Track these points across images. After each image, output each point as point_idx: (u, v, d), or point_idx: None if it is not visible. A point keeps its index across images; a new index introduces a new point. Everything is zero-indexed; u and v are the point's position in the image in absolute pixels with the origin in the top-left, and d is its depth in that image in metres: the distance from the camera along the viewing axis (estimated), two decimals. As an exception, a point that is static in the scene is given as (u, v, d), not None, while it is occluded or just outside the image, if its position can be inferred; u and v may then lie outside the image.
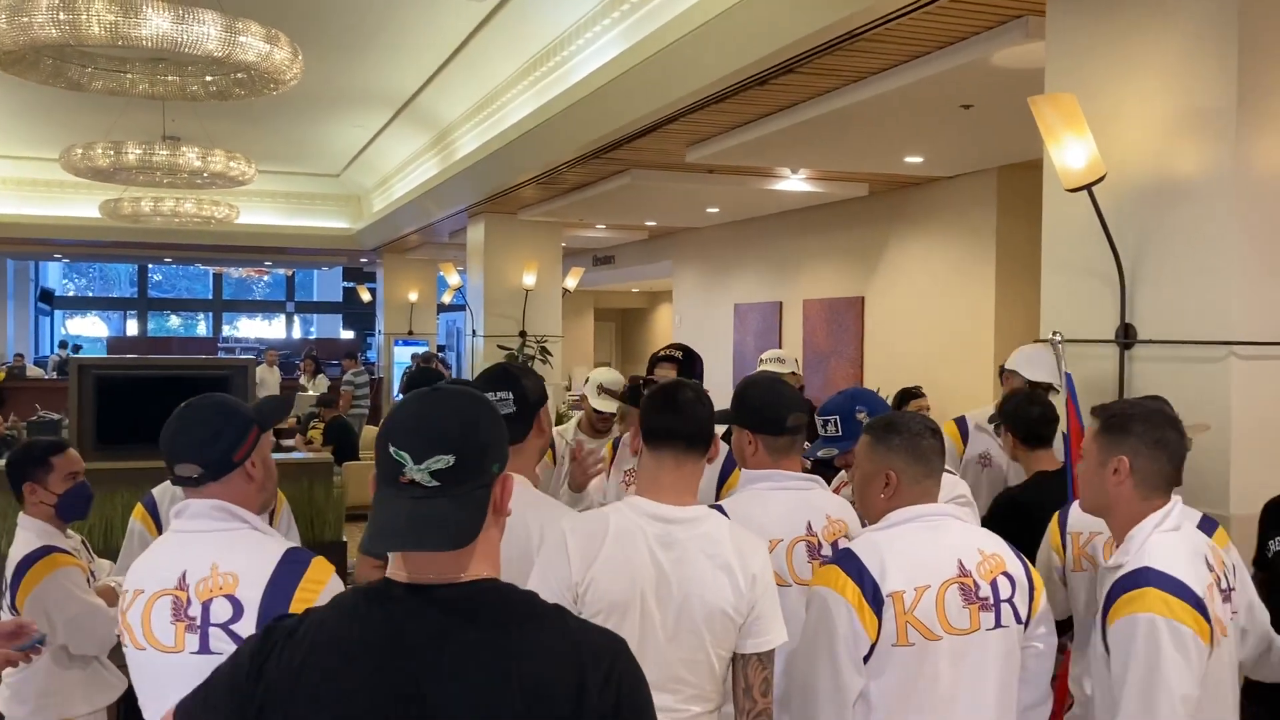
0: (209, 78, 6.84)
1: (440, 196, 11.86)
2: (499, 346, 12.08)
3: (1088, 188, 3.75)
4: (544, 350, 12.14)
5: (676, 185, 9.30)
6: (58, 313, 29.85)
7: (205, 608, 2.02)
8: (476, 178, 10.50)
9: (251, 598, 2.02)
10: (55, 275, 29.92)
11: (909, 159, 7.96)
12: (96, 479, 7.63)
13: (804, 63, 5.42)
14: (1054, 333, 4.37)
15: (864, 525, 2.75)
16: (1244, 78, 3.53)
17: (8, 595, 3.29)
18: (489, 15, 8.01)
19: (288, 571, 2.05)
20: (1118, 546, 2.42)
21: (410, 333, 18.46)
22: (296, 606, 1.99)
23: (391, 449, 1.45)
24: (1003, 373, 5.87)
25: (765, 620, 2.19)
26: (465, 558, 1.46)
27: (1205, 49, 3.62)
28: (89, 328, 31.14)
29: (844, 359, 10.44)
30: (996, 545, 2.35)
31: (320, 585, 2.04)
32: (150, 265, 29.28)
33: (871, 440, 2.42)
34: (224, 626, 2.01)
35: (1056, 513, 3.26)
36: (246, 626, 1.99)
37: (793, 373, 6.07)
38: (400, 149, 13.06)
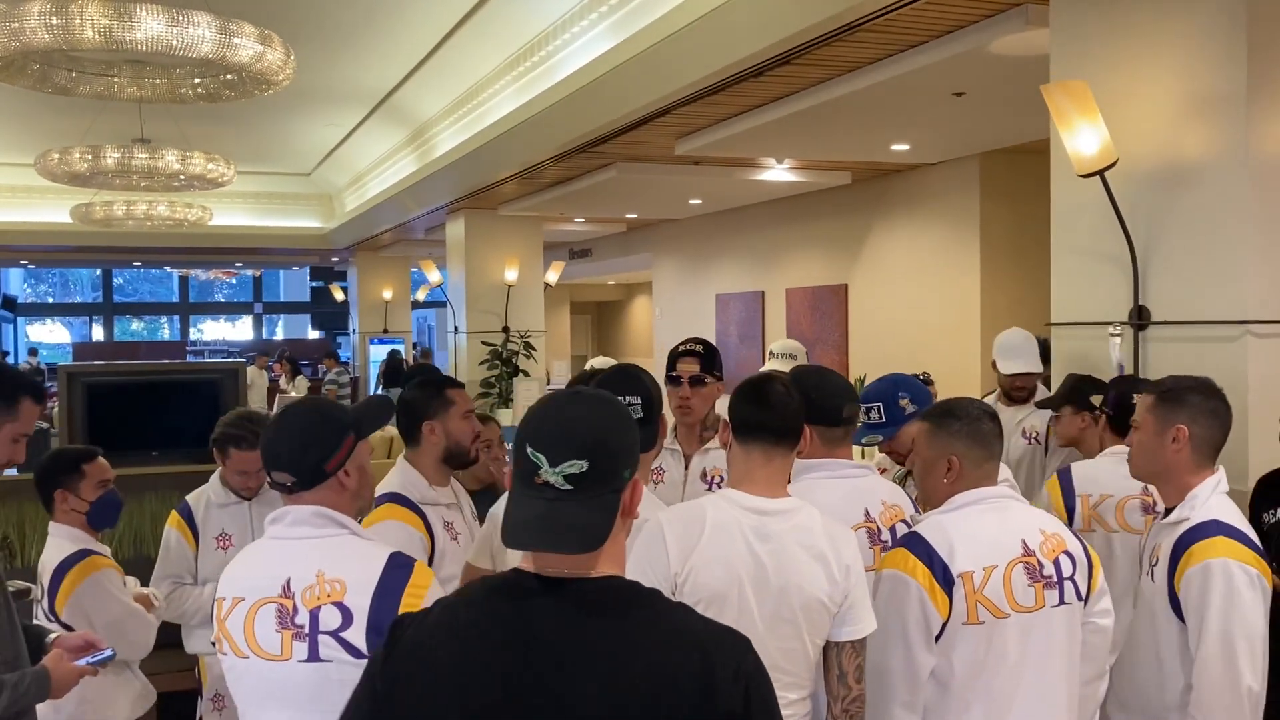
0: (198, 80, 6.77)
1: (418, 193, 11.81)
2: (483, 343, 12.07)
3: (1100, 173, 3.82)
4: (528, 345, 12.14)
5: (662, 178, 9.32)
6: (20, 319, 29.41)
7: (313, 615, 2.02)
8: (457, 174, 10.46)
9: (360, 604, 2.02)
10: (16, 281, 29.47)
11: (895, 147, 8.03)
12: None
13: (802, 54, 5.46)
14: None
15: (918, 510, 2.81)
16: (1254, 60, 3.60)
17: (45, 600, 3.27)
18: (472, 10, 7.98)
19: (394, 577, 2.06)
20: (1168, 510, 2.54)
21: (385, 331, 18.37)
22: (403, 610, 2.00)
23: (528, 449, 1.49)
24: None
25: (858, 609, 2.24)
26: (594, 557, 1.50)
27: (1214, 32, 3.70)
28: (50, 334, 30.71)
29: (829, 347, 10.52)
30: (1056, 525, 2.45)
31: (424, 589, 2.06)
32: (114, 270, 28.92)
33: (932, 427, 2.49)
34: (333, 634, 2.01)
35: (1055, 474, 3.37)
36: (356, 633, 2.01)
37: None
38: (375, 146, 12.98)
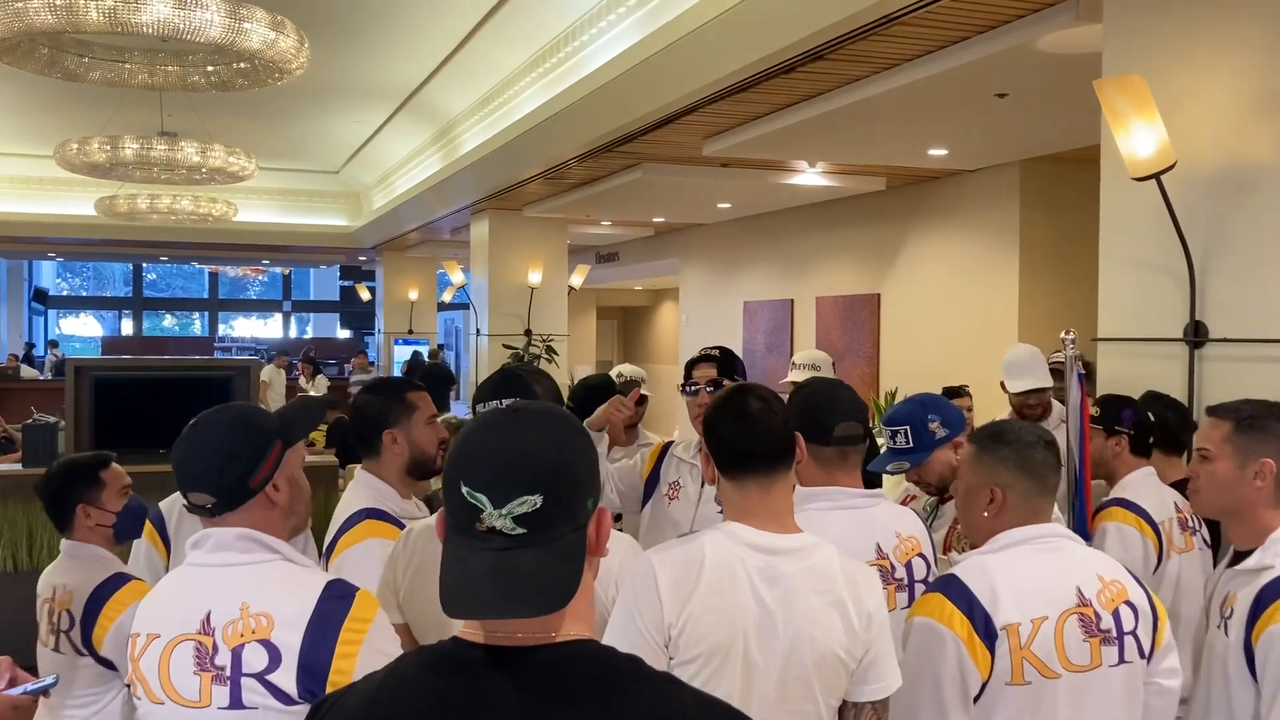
0: (210, 68, 6.58)
1: (443, 193, 11.61)
2: (504, 345, 11.85)
3: (1157, 176, 3.52)
4: (550, 349, 11.90)
5: (689, 180, 9.06)
6: (51, 313, 29.54)
7: (236, 655, 1.74)
8: (481, 173, 10.25)
9: (290, 642, 1.74)
10: (49, 275, 29.61)
11: (933, 151, 7.72)
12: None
13: (835, 49, 5.18)
14: (1066, 331, 4.16)
15: (933, 546, 2.52)
16: (1329, 58, 3.30)
17: (78, 630, 2.89)
18: (496, 5, 7.76)
19: (330, 609, 1.77)
20: (1239, 553, 2.25)
21: (410, 331, 18.20)
22: (342, 649, 1.73)
23: (464, 490, 1.18)
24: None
25: (882, 663, 1.92)
26: (558, 616, 1.19)
27: (1285, 27, 3.39)
28: (83, 328, 30.83)
29: (859, 358, 10.21)
30: (1116, 571, 2.12)
31: (366, 623, 1.77)
32: (145, 264, 28.99)
33: (976, 451, 2.18)
34: (258, 677, 1.73)
35: (1117, 505, 3.07)
36: (285, 676, 1.72)
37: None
38: (402, 144, 12.80)
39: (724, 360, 3.11)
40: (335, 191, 16.69)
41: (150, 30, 5.27)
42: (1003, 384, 4.56)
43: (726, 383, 3.06)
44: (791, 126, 6.73)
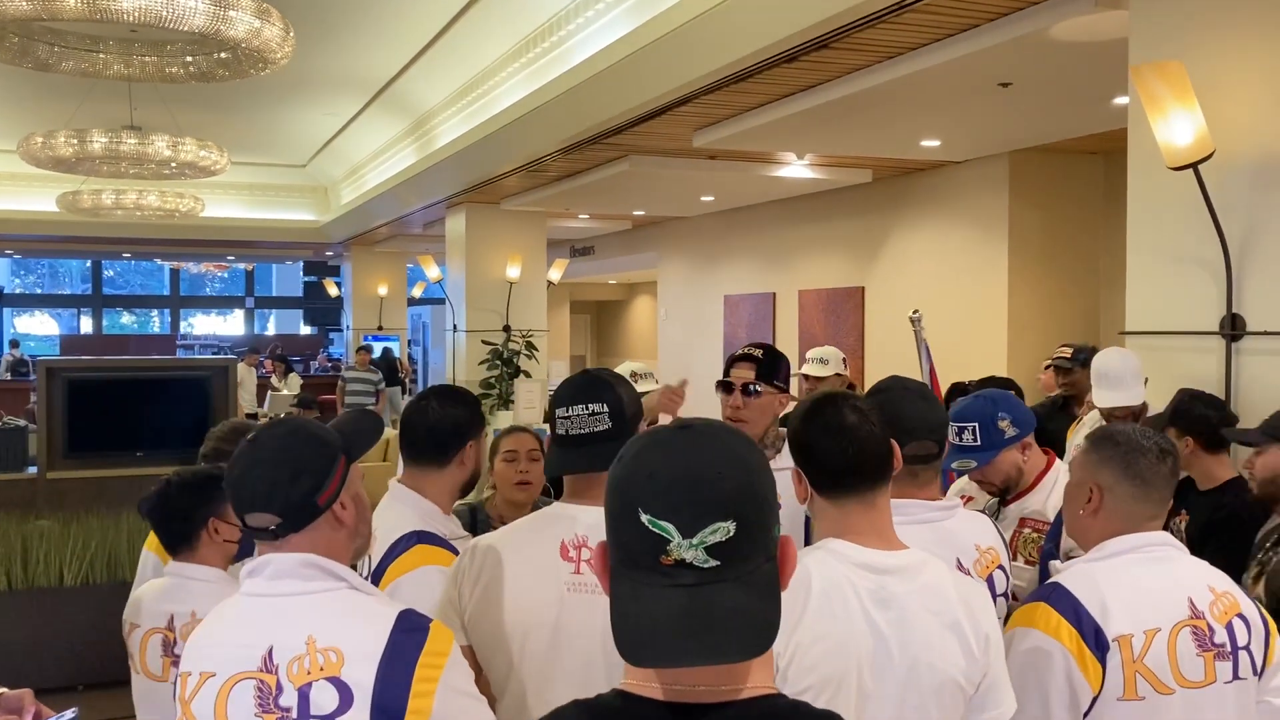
0: (189, 58, 6.35)
1: (418, 186, 11.38)
2: (484, 342, 11.65)
3: (1194, 166, 3.43)
4: (529, 345, 11.72)
5: (675, 172, 8.91)
6: (6, 310, 28.88)
7: (303, 695, 1.58)
8: (459, 166, 10.04)
9: (362, 680, 1.58)
10: (3, 272, 28.95)
11: (926, 143, 7.63)
12: (71, 493, 7.02)
13: (842, 37, 5.05)
14: (914, 310, 4.00)
15: (1010, 554, 2.39)
16: (1375, 43, 3.22)
17: None
18: (479, -7, 7.58)
19: (404, 643, 1.62)
20: None
21: (380, 327, 17.94)
22: (418, 688, 1.58)
23: (644, 519, 1.04)
24: (1064, 369, 5.52)
25: (999, 688, 1.79)
26: (745, 665, 1.06)
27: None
28: (39, 326, 30.18)
29: (844, 351, 10.10)
30: (1227, 583, 2.01)
31: (443, 658, 1.62)
32: (104, 261, 28.42)
33: (1086, 448, 2.08)
34: (330, 718, 1.58)
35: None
36: (357, 717, 1.57)
37: (838, 374, 5.61)
38: (374, 137, 12.56)
39: (766, 362, 2.92)
40: (303, 186, 16.40)
41: (130, 18, 5.05)
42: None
43: (763, 388, 2.90)
44: (787, 118, 6.60)
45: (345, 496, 1.76)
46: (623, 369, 5.16)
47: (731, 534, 1.04)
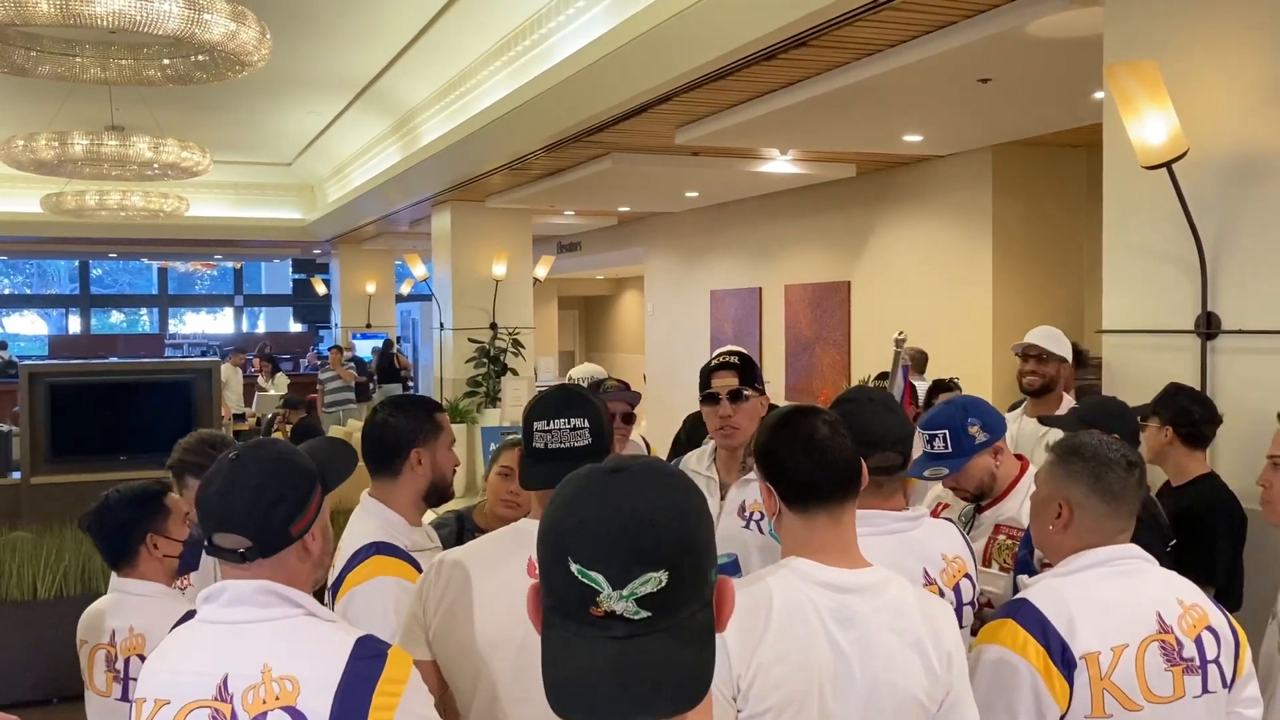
0: (166, 61, 6.31)
1: (403, 184, 11.35)
2: (470, 340, 11.63)
3: (1168, 165, 3.43)
4: (516, 343, 11.71)
5: (659, 169, 8.90)
6: (-5, 311, 28.81)
7: None
8: (443, 164, 10.01)
9: (318, 709, 1.56)
10: (-9, 272, 28.86)
11: (908, 138, 7.63)
12: (55, 498, 6.98)
13: (820, 34, 5.04)
14: (899, 332, 4.12)
15: (984, 559, 2.40)
16: (1346, 41, 3.21)
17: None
18: (461, -9, 7.55)
19: (361, 670, 1.60)
20: None
21: (369, 325, 17.92)
22: (375, 715, 1.56)
23: (574, 568, 1.01)
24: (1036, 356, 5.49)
25: (962, 706, 1.78)
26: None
27: (1299, 10, 3.31)
28: (28, 326, 30.07)
29: (830, 345, 10.14)
30: (1195, 594, 2.00)
31: (401, 685, 1.61)
32: (92, 261, 28.30)
33: (1051, 461, 2.07)
34: None
35: None
36: None
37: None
38: (359, 135, 12.51)
39: (744, 367, 2.92)
40: (288, 184, 16.33)
41: (105, 22, 5.02)
42: (1022, 351, 4.22)
43: (748, 392, 2.89)
44: (768, 115, 6.59)
45: (315, 528, 1.75)
46: (580, 372, 5.08)
47: (664, 584, 1.01)
